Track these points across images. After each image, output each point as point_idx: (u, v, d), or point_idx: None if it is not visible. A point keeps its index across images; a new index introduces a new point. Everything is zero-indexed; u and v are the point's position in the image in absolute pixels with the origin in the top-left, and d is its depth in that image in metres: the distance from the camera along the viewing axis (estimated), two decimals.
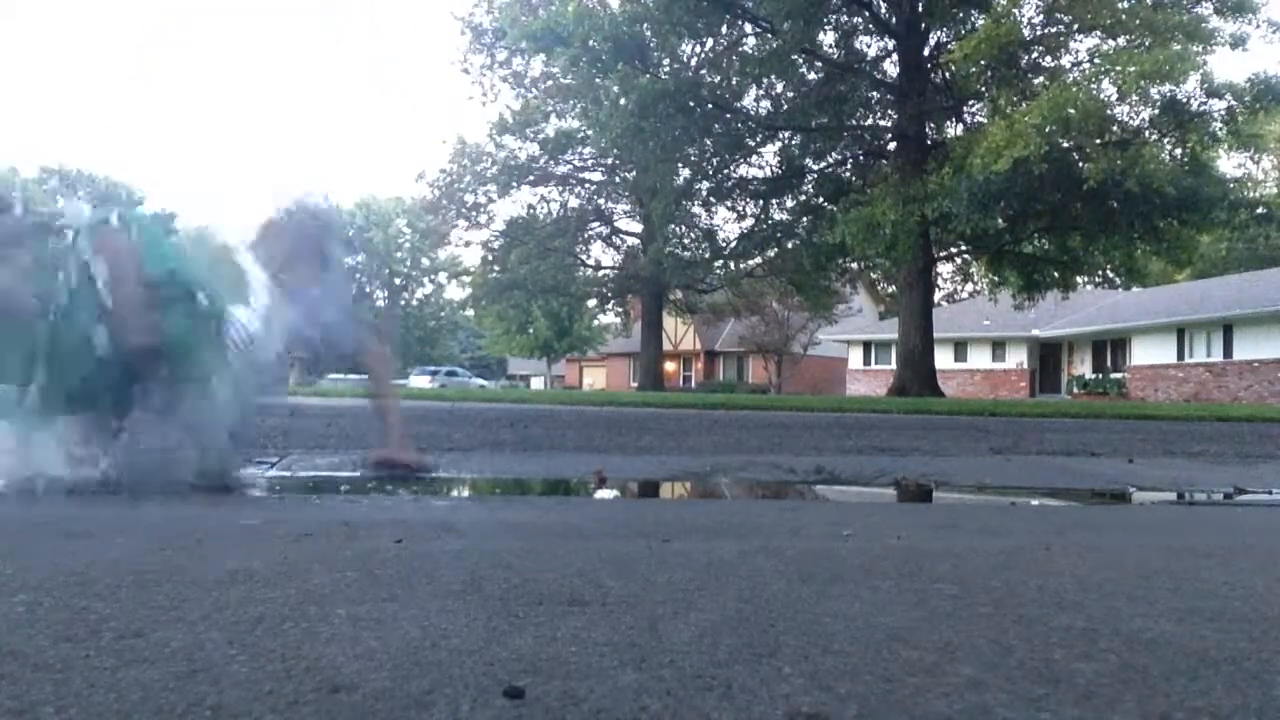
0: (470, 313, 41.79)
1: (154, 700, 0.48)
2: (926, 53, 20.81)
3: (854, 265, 24.26)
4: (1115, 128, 17.83)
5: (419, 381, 41.78)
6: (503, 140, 28.49)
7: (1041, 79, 19.64)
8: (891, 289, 30.68)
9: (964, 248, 23.26)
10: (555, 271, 28.56)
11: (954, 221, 17.83)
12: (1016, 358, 38.08)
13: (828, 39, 22.30)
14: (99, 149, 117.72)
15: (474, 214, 29.43)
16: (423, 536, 1.14)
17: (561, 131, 27.90)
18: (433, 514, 1.51)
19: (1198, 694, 0.53)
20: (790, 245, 24.10)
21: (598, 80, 20.42)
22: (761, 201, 23.93)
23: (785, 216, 24.50)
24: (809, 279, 25.09)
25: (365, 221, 63.69)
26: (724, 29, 21.39)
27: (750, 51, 21.26)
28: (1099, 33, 18.72)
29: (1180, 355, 30.94)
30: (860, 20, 22.17)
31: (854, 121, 23.21)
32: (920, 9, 19.65)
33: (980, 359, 38.50)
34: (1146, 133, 18.39)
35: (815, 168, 23.81)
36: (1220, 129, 17.74)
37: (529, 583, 0.82)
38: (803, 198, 24.27)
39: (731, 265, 28.29)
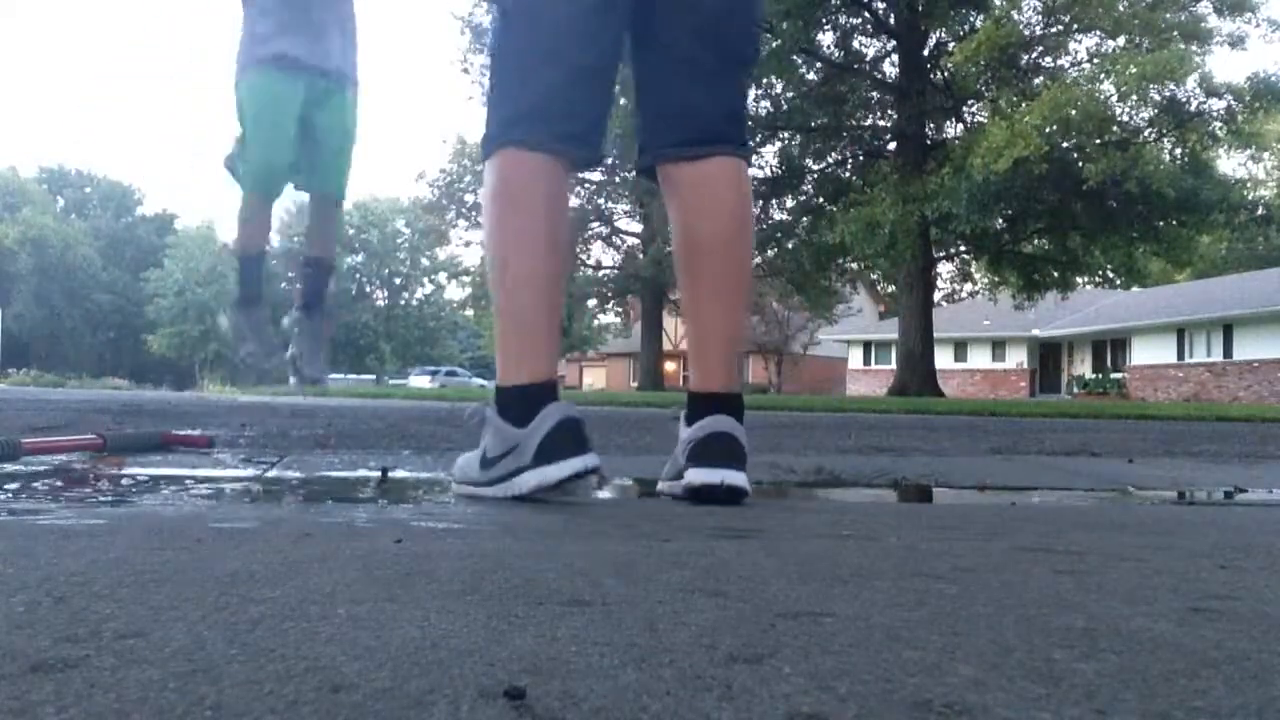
0: (470, 313, 41.85)
1: (154, 700, 0.48)
2: (926, 53, 20.80)
3: (854, 265, 24.30)
4: (1115, 128, 17.82)
5: (419, 381, 41.83)
6: None
7: (1041, 79, 19.63)
8: (891, 289, 30.73)
9: (964, 248, 23.25)
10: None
11: (954, 221, 17.84)
12: (1016, 358, 38.11)
13: (827, 39, 22.29)
14: (99, 149, 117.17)
15: (474, 214, 29.45)
16: (423, 536, 1.14)
17: None
18: (433, 514, 1.51)
19: (1198, 694, 0.53)
20: (790, 245, 24.07)
21: None
22: (761, 201, 23.93)
23: (785, 216, 24.48)
24: (809, 279, 25.09)
25: (363, 222, 63.69)
26: None
27: None
28: (1099, 33, 18.70)
29: (1180, 355, 30.95)
30: (859, 20, 22.15)
31: (854, 121, 23.21)
32: (919, 9, 19.63)
33: (980, 359, 38.53)
34: (1146, 133, 18.38)
35: (815, 168, 23.79)
36: (1220, 128, 17.73)
37: (529, 583, 0.82)
38: (803, 198, 24.23)
39: None
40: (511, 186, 1.86)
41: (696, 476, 1.82)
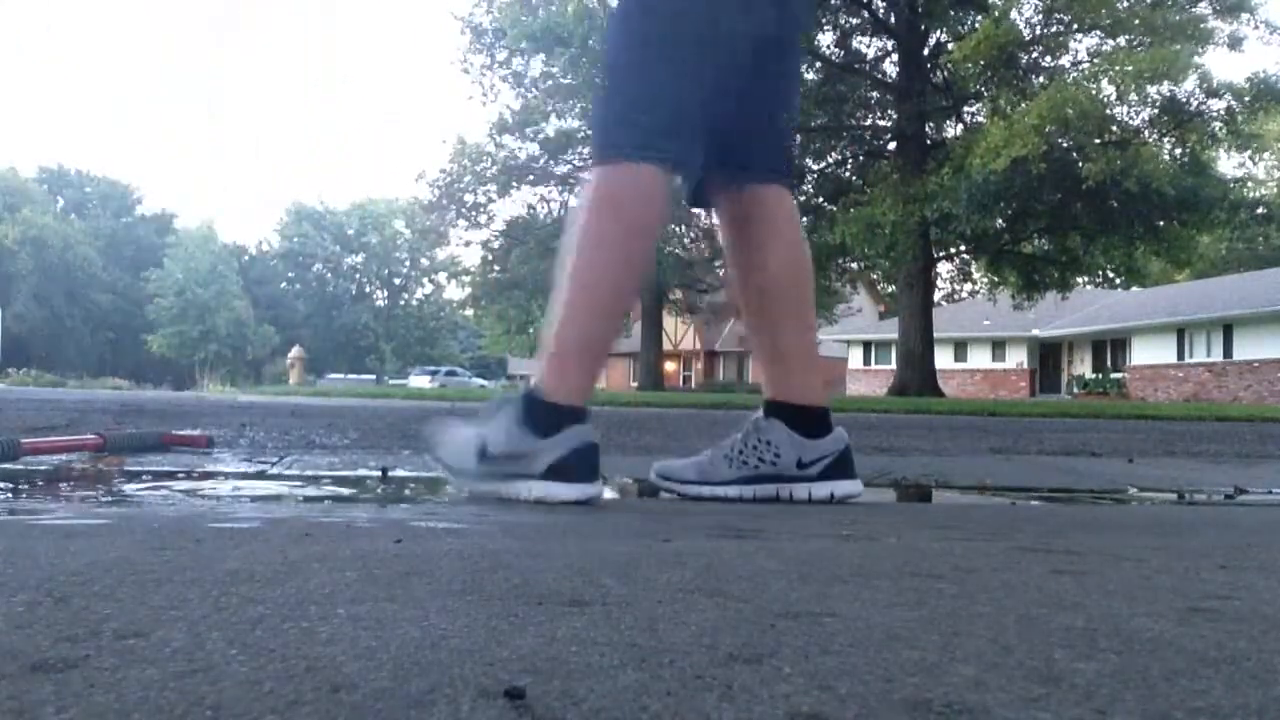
0: (470, 313, 41.85)
1: (154, 700, 0.48)
2: (926, 53, 20.78)
3: (854, 265, 24.27)
4: (1114, 127, 17.80)
5: (419, 381, 41.90)
6: (503, 140, 28.49)
7: (1041, 79, 19.61)
8: (891, 289, 30.71)
9: (964, 248, 23.22)
10: (555, 271, 28.55)
11: (954, 221, 17.82)
12: (1016, 358, 38.10)
13: (827, 39, 22.27)
14: (99, 149, 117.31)
15: (474, 214, 29.44)
16: (423, 536, 1.14)
17: (561, 131, 27.89)
18: (433, 514, 1.51)
19: (1198, 694, 0.53)
20: None
21: (598, 80, 20.39)
22: None
23: None
24: None
25: (361, 224, 63.69)
26: None
27: None
28: (1098, 33, 18.68)
29: (1180, 355, 30.95)
30: (859, 20, 22.14)
31: (854, 121, 23.19)
32: (919, 9, 19.61)
33: (980, 359, 38.51)
34: (1145, 133, 18.36)
35: (815, 168, 23.78)
36: (1220, 129, 17.71)
37: (529, 583, 0.82)
38: (802, 198, 24.21)
39: None
40: (637, 204, 1.78)
41: (855, 488, 1.98)
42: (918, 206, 17.80)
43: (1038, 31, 19.56)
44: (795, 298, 1.99)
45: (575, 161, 29.73)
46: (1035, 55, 20.52)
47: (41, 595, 0.72)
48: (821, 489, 1.95)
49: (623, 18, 1.86)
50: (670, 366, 43.68)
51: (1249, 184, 24.45)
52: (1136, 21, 17.25)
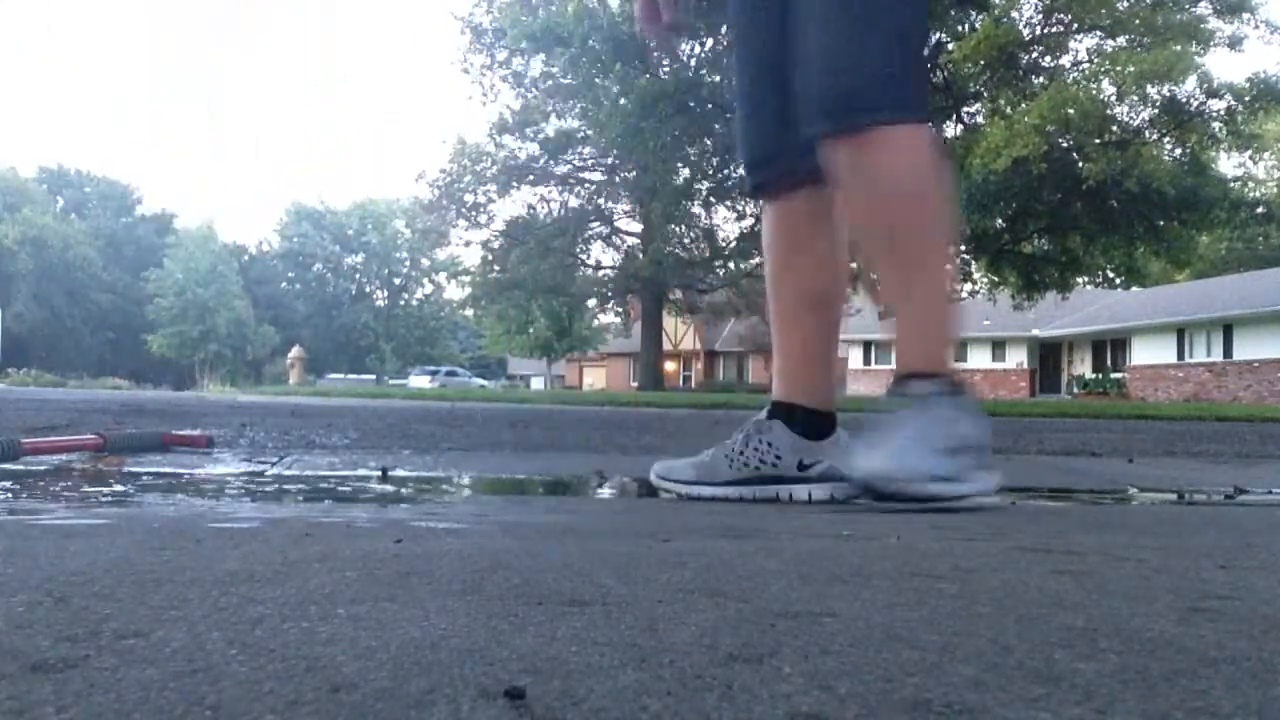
0: (470, 313, 41.85)
1: (154, 700, 0.48)
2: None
3: (854, 265, 24.22)
4: (1115, 127, 17.78)
5: (419, 381, 41.94)
6: (503, 140, 28.47)
7: (1041, 79, 19.59)
8: None
9: (964, 248, 23.19)
10: (555, 271, 28.56)
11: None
12: (1016, 358, 38.10)
13: None
14: (99, 149, 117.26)
15: (474, 214, 29.42)
16: (423, 536, 1.14)
17: (561, 131, 27.86)
18: (433, 514, 1.51)
19: (1198, 694, 0.53)
20: None
21: (598, 80, 20.43)
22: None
23: None
24: None
25: (361, 224, 63.70)
26: (724, 29, 21.37)
27: None
28: (1098, 33, 18.67)
29: (1180, 355, 30.95)
30: None
31: None
32: None
33: (980, 359, 38.50)
34: (1146, 133, 18.35)
35: None
36: (1220, 129, 17.69)
37: (529, 583, 0.82)
38: None
39: (731, 265, 28.29)
40: (931, 169, 1.71)
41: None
42: None
43: (1038, 31, 19.55)
44: (840, 302, 2.02)
45: (575, 162, 29.72)
46: (1035, 55, 20.50)
47: (41, 595, 0.72)
48: (822, 490, 1.94)
49: None
50: (670, 366, 43.66)
51: (1249, 184, 24.44)
52: (1137, 21, 17.25)
